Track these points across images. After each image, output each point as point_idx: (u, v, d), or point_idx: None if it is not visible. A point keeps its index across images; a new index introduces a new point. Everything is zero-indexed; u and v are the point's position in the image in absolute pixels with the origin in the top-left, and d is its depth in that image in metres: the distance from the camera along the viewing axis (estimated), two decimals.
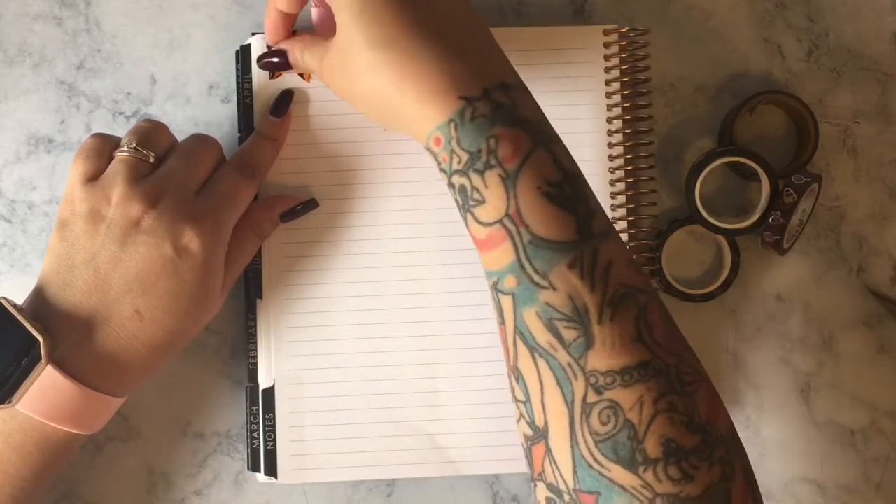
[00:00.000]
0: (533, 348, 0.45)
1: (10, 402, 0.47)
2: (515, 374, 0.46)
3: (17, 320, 0.48)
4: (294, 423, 0.56)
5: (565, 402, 0.44)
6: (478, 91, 0.46)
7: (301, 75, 0.56)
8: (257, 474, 0.57)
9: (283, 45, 0.55)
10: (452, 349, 0.56)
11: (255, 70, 0.57)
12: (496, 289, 0.46)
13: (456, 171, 0.46)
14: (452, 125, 0.46)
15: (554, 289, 0.44)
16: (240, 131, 0.57)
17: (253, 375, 0.57)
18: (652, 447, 0.43)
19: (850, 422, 0.60)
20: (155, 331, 0.50)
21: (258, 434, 0.56)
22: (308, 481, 0.57)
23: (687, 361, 0.45)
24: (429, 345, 0.56)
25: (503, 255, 0.45)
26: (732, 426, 0.46)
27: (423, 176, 0.56)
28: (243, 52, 0.57)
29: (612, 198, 0.57)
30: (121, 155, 0.51)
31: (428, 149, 0.48)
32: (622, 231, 0.57)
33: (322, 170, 0.57)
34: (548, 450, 0.45)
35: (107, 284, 0.49)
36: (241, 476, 0.58)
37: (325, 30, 0.55)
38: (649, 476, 0.43)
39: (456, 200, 0.47)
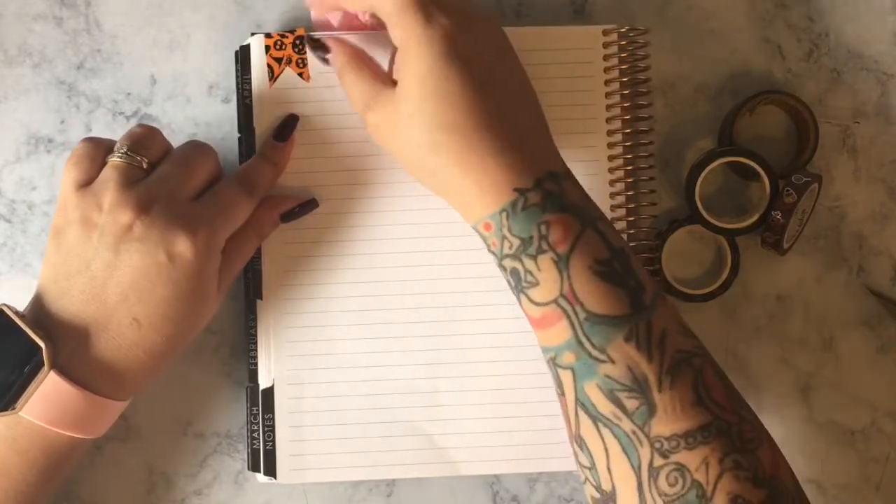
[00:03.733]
0: (596, 418, 0.46)
1: (13, 408, 0.47)
2: (579, 441, 0.48)
3: (20, 327, 0.48)
4: (294, 423, 0.56)
5: (632, 467, 0.46)
6: (530, 183, 0.48)
7: (300, 74, 0.56)
8: (257, 474, 0.57)
9: (331, 44, 0.54)
10: (452, 349, 0.56)
11: (255, 70, 0.56)
12: (554, 363, 0.48)
13: (507, 255, 0.48)
14: (504, 214, 0.47)
15: (613, 362, 0.46)
16: (240, 132, 0.57)
17: (253, 376, 0.57)
18: None
19: (850, 422, 0.60)
20: (154, 337, 0.50)
21: (258, 434, 0.56)
22: (308, 481, 0.57)
23: (747, 419, 0.47)
24: (429, 345, 0.56)
25: (560, 332, 0.47)
26: (795, 477, 0.48)
27: None
28: (243, 53, 0.57)
29: (612, 198, 0.57)
30: (113, 161, 0.50)
31: (474, 228, 0.49)
32: (622, 231, 0.57)
33: (322, 170, 0.57)
34: None
35: (103, 293, 0.49)
36: (241, 476, 0.58)
37: (322, 27, 0.55)
38: None
39: (508, 281, 0.49)
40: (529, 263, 0.47)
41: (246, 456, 0.57)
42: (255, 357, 0.56)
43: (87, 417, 0.49)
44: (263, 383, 0.56)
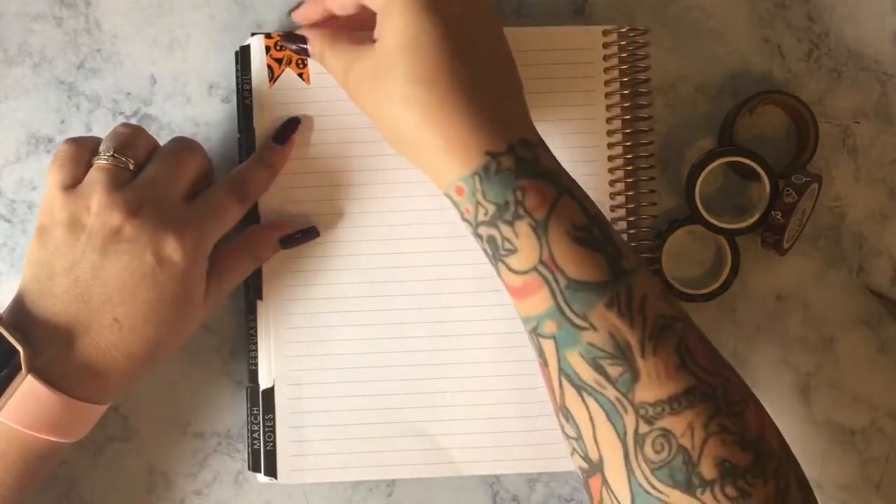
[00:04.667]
0: (580, 387, 0.46)
1: None
2: (564, 412, 0.47)
3: None
4: (294, 423, 0.56)
5: (618, 435, 0.45)
6: (502, 147, 0.47)
7: (300, 75, 0.56)
8: (257, 474, 0.57)
9: (305, 33, 0.54)
10: (453, 349, 0.56)
11: (255, 71, 0.56)
12: (535, 333, 0.47)
13: (483, 223, 0.47)
14: (477, 178, 0.47)
15: (595, 329, 0.46)
16: (239, 132, 0.57)
17: (253, 376, 0.57)
18: (707, 469, 0.44)
19: (850, 422, 0.60)
20: (133, 340, 0.49)
21: (258, 434, 0.56)
22: (308, 481, 0.57)
23: (732, 381, 0.47)
24: (429, 345, 0.56)
25: (541, 301, 0.47)
26: (782, 438, 0.47)
27: (423, 177, 0.56)
28: (243, 53, 0.57)
29: (612, 198, 0.57)
30: (99, 163, 0.50)
31: (447, 195, 0.49)
32: (622, 231, 0.57)
33: (321, 171, 0.57)
34: (605, 481, 0.46)
35: (87, 293, 0.49)
36: (241, 476, 0.58)
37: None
38: (707, 497, 0.44)
39: (485, 250, 0.48)
40: (506, 230, 0.47)
41: (246, 456, 0.57)
42: (256, 357, 0.56)
43: (65, 421, 0.49)
44: (264, 384, 0.56)
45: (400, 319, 0.56)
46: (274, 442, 0.56)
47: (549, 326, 0.47)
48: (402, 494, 0.59)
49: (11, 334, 0.47)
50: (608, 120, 0.57)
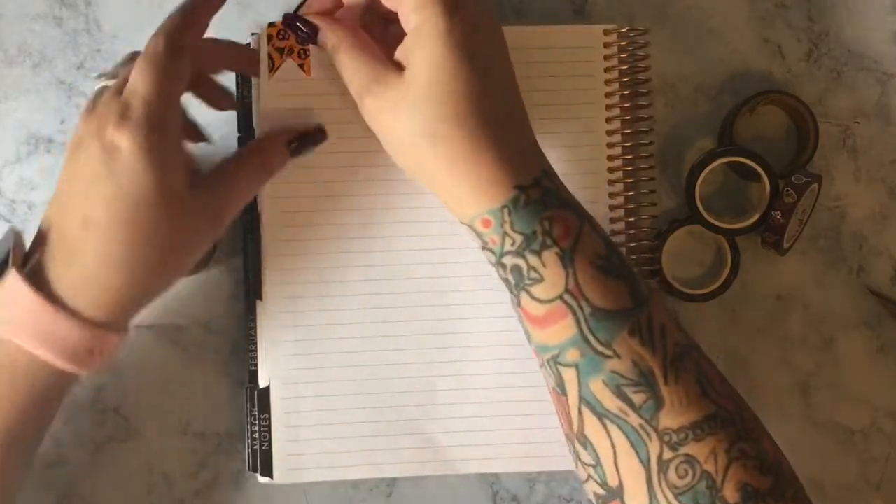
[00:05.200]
0: (602, 415, 0.46)
1: None
2: (581, 440, 0.48)
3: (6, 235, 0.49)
4: (290, 423, 0.56)
5: (641, 461, 0.46)
6: (529, 180, 0.48)
7: (301, 66, 0.56)
8: (257, 474, 0.57)
9: (318, 22, 0.52)
10: (451, 348, 0.56)
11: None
12: (556, 362, 0.48)
13: (509, 252, 0.48)
14: (506, 210, 0.47)
15: (618, 357, 0.46)
16: (239, 131, 0.57)
17: (253, 376, 0.56)
18: (731, 493, 0.45)
19: (850, 422, 0.60)
20: (106, 242, 0.47)
21: (258, 435, 0.56)
22: (304, 481, 0.57)
23: (744, 408, 0.48)
24: (428, 343, 0.56)
25: (564, 329, 0.47)
26: (790, 464, 0.48)
27: None
28: None
29: (612, 198, 0.57)
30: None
31: (469, 226, 0.49)
32: (622, 231, 0.57)
33: (320, 166, 0.56)
34: None
35: (61, 197, 0.48)
36: (241, 476, 0.58)
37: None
38: None
39: (506, 280, 0.49)
40: (533, 259, 0.47)
41: (246, 456, 0.57)
42: (255, 358, 0.56)
43: (43, 327, 0.46)
44: (262, 384, 0.56)
45: (399, 318, 0.56)
46: (270, 442, 0.56)
47: (571, 355, 0.47)
48: (401, 494, 0.59)
49: (14, 233, 0.48)
50: (608, 120, 0.57)
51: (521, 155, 0.48)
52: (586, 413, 0.47)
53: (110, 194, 0.46)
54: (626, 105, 0.57)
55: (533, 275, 0.47)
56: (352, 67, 0.50)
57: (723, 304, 0.60)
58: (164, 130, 0.47)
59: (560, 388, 0.48)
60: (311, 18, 0.52)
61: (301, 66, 0.56)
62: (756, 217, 0.57)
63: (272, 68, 0.55)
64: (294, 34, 0.52)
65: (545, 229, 0.47)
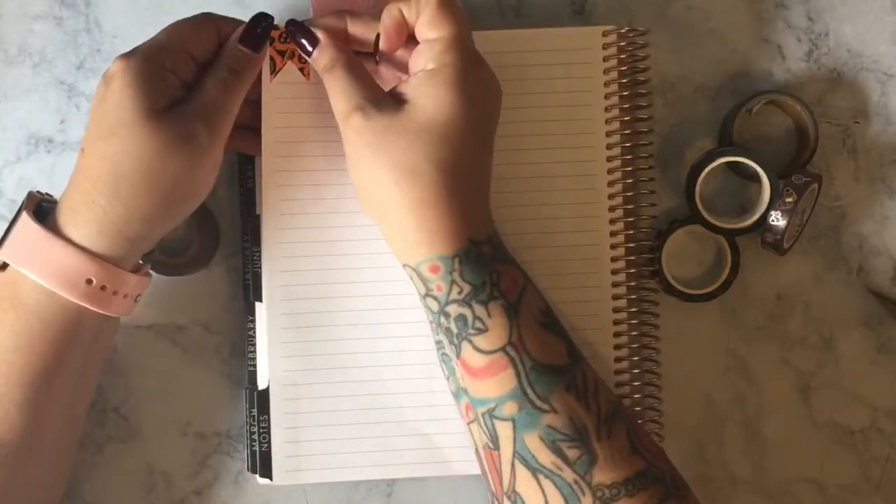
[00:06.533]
0: (536, 469, 0.47)
1: None
2: (512, 497, 0.48)
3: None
4: (289, 424, 0.56)
5: None
6: (483, 237, 0.49)
7: (301, 70, 0.56)
8: (257, 475, 0.57)
9: (321, 36, 0.52)
10: None
11: None
12: (491, 415, 0.48)
13: (454, 301, 0.48)
14: (457, 259, 0.48)
15: (555, 412, 0.47)
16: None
17: (252, 378, 0.56)
18: None
19: (850, 422, 0.60)
20: (87, 161, 0.49)
21: (257, 436, 0.56)
22: (304, 482, 0.57)
23: (672, 466, 0.49)
24: (426, 345, 0.56)
25: (503, 381, 0.47)
26: None
27: None
28: None
29: (611, 198, 0.57)
30: None
31: (415, 269, 0.49)
32: (622, 231, 0.57)
33: (319, 169, 0.56)
34: None
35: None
36: (241, 476, 0.59)
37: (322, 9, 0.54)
38: None
39: (448, 330, 0.49)
40: (480, 309, 0.48)
41: (246, 457, 0.57)
42: (254, 359, 0.56)
43: (50, 260, 0.48)
44: (262, 385, 0.56)
45: (398, 319, 0.56)
46: (269, 443, 0.56)
47: (509, 408, 0.47)
48: (401, 495, 0.59)
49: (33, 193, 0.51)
50: (607, 120, 0.57)
51: (480, 212, 0.49)
52: (519, 468, 0.47)
53: (99, 116, 0.49)
54: (625, 105, 0.57)
55: (478, 324, 0.48)
56: (347, 85, 0.50)
57: (723, 304, 0.60)
58: (153, 60, 0.49)
59: (493, 444, 0.48)
60: (316, 31, 0.52)
61: (301, 69, 0.56)
62: (756, 217, 0.57)
63: (273, 70, 0.55)
64: (292, 41, 0.53)
65: (493, 281, 0.48)
